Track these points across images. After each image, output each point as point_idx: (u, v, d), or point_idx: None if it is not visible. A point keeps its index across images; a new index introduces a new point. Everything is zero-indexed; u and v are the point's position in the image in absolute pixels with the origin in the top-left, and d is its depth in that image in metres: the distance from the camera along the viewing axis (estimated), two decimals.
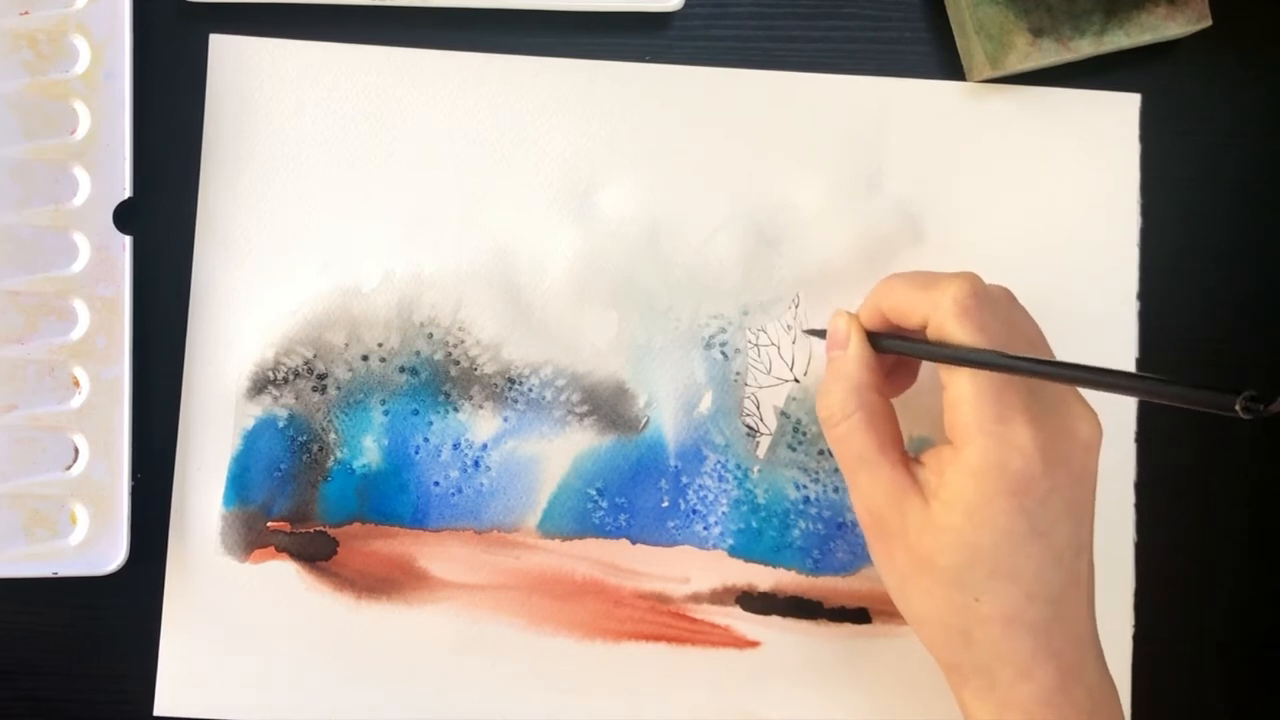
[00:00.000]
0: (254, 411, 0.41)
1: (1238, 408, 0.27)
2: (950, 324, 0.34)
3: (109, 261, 0.40)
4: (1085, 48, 0.42)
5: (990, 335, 0.33)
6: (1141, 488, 0.43)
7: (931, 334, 0.35)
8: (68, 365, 0.40)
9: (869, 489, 0.35)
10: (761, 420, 0.42)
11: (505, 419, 0.42)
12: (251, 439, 0.41)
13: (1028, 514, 0.33)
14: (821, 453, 0.42)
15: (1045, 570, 0.33)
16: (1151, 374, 0.31)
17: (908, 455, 0.36)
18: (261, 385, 0.42)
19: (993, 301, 0.35)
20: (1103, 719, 0.34)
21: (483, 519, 0.42)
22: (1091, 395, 0.36)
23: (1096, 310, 0.43)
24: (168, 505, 0.41)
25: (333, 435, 0.42)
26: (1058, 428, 0.34)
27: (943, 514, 0.33)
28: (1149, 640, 0.43)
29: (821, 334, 0.40)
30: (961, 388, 0.33)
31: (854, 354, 0.37)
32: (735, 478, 0.42)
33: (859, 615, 0.42)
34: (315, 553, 0.41)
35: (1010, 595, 0.33)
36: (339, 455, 0.42)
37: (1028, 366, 0.33)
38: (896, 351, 0.37)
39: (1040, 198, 0.43)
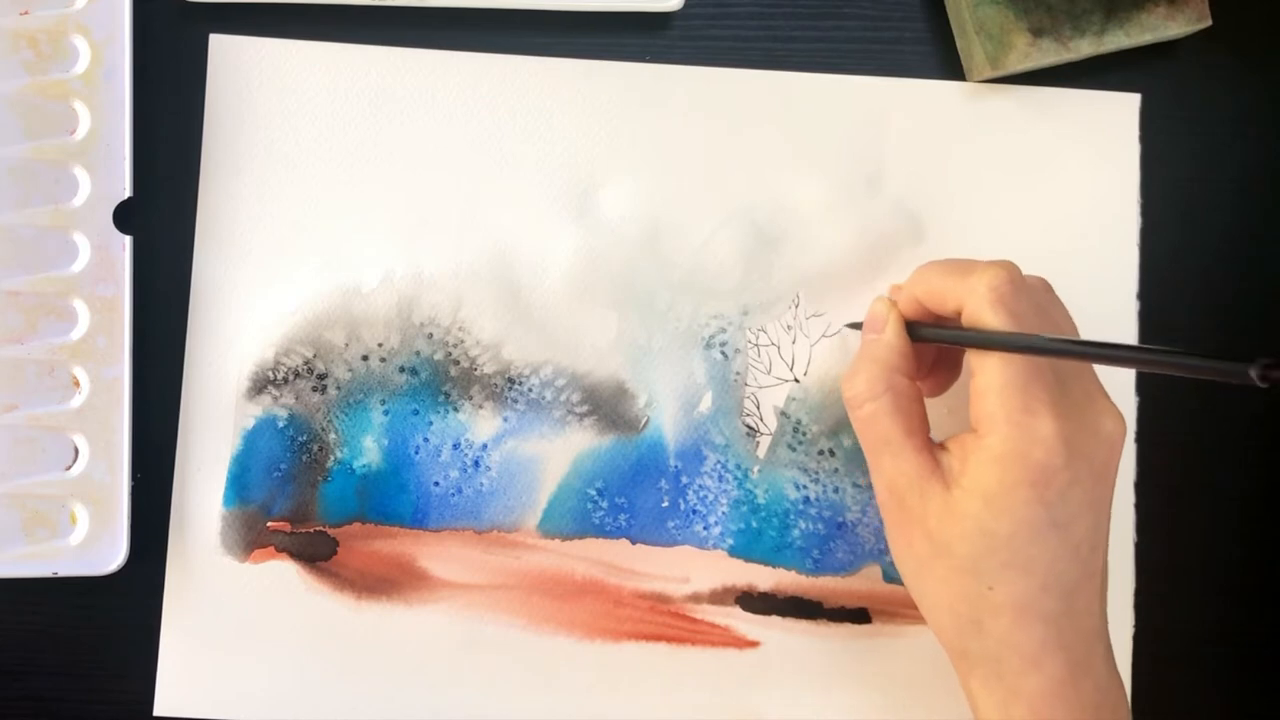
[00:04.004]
0: (254, 411, 0.41)
1: (1254, 374, 0.27)
2: (985, 310, 0.34)
3: (109, 261, 0.40)
4: (1085, 48, 0.42)
5: (1024, 323, 0.33)
6: (1141, 488, 0.43)
7: (966, 320, 0.35)
8: (68, 365, 0.40)
9: (892, 472, 0.35)
10: (761, 420, 0.42)
11: (505, 419, 0.42)
12: (251, 439, 0.41)
13: (1047, 505, 0.33)
14: (821, 453, 0.42)
15: (1061, 562, 0.33)
16: (1167, 347, 0.31)
17: (932, 441, 0.36)
18: (261, 385, 0.42)
19: (1029, 290, 0.35)
20: (1109, 714, 0.34)
21: (483, 519, 0.42)
22: None
23: (1096, 310, 0.43)
24: (168, 505, 0.41)
25: (333, 435, 0.42)
26: (1083, 422, 0.34)
27: (963, 501, 0.33)
28: (1149, 640, 0.43)
29: (859, 326, 0.40)
30: (990, 376, 0.33)
31: (889, 338, 0.37)
32: (735, 478, 0.42)
33: (859, 615, 0.42)
34: (315, 553, 0.41)
35: (1024, 585, 0.33)
36: (339, 455, 0.42)
37: (1052, 347, 0.33)
38: (931, 339, 0.37)
39: (1040, 198, 0.43)
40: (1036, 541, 0.33)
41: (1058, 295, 0.37)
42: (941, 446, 0.35)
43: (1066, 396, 0.34)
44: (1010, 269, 0.35)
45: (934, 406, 0.39)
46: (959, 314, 0.35)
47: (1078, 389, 0.34)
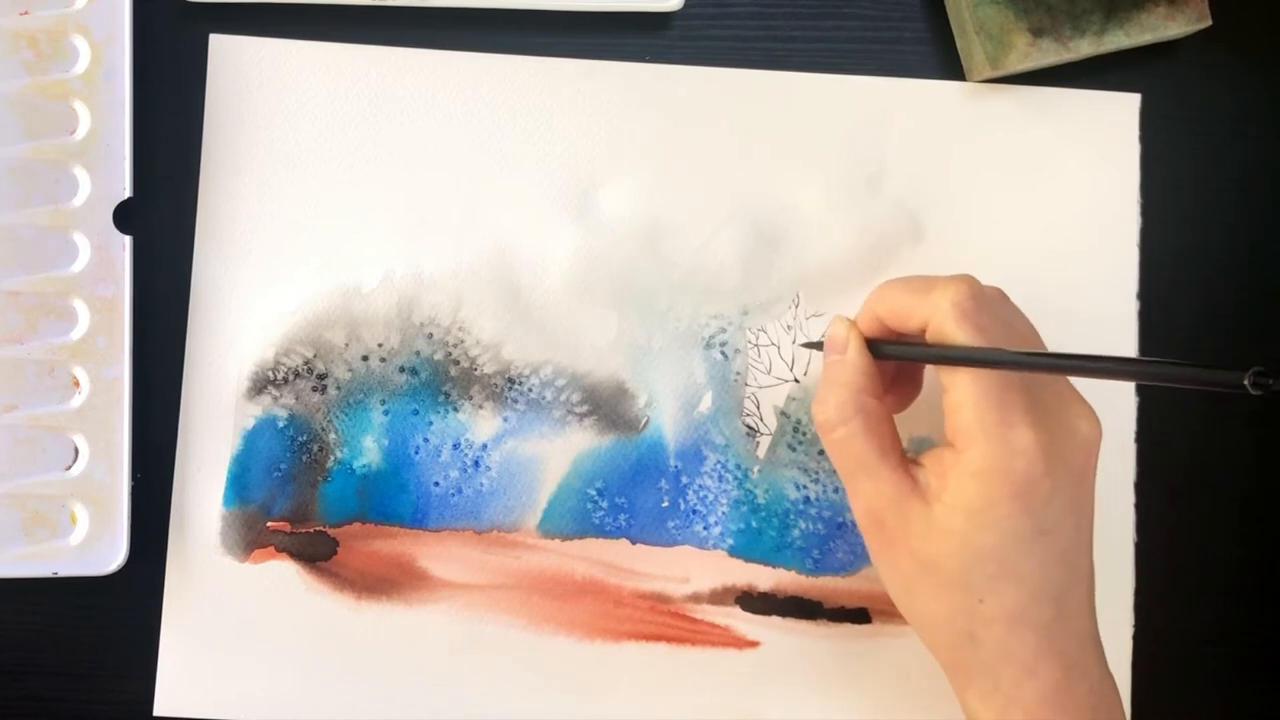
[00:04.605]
0: (254, 411, 0.41)
1: (1247, 383, 0.27)
2: (950, 326, 0.34)
3: (109, 261, 0.40)
4: (1085, 48, 0.42)
5: (989, 336, 0.34)
6: (1141, 488, 0.43)
7: (931, 337, 0.35)
8: (68, 365, 0.40)
9: (869, 494, 0.35)
10: (761, 420, 0.42)
11: (505, 419, 0.42)
12: (251, 439, 0.41)
13: (1032, 515, 0.33)
14: (821, 453, 0.42)
15: (1049, 569, 0.33)
16: (1158, 357, 0.31)
17: (906, 458, 0.36)
18: (261, 385, 0.42)
19: (990, 302, 0.35)
20: (1104, 716, 0.34)
21: (483, 519, 0.42)
22: (1088, 395, 0.36)
23: (1096, 310, 0.43)
24: (168, 505, 0.41)
25: (333, 435, 0.42)
26: (1059, 428, 0.34)
27: (946, 517, 0.33)
28: (1149, 640, 0.43)
29: (818, 346, 0.40)
30: (963, 391, 0.33)
31: (852, 359, 0.36)
32: (735, 478, 0.42)
33: (859, 615, 0.42)
34: (315, 553, 0.41)
35: (1015, 595, 0.33)
36: (339, 455, 0.42)
37: (1032, 361, 0.33)
38: (896, 357, 0.37)
39: (1040, 198, 0.43)
40: (1024, 552, 0.33)
41: (1014, 303, 0.37)
42: (917, 463, 0.35)
43: (1040, 403, 0.34)
44: (971, 283, 0.35)
45: (933, 412, 0.39)
46: (922, 331, 0.35)
47: (1049, 394, 0.35)
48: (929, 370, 0.40)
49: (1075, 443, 0.34)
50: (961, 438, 0.33)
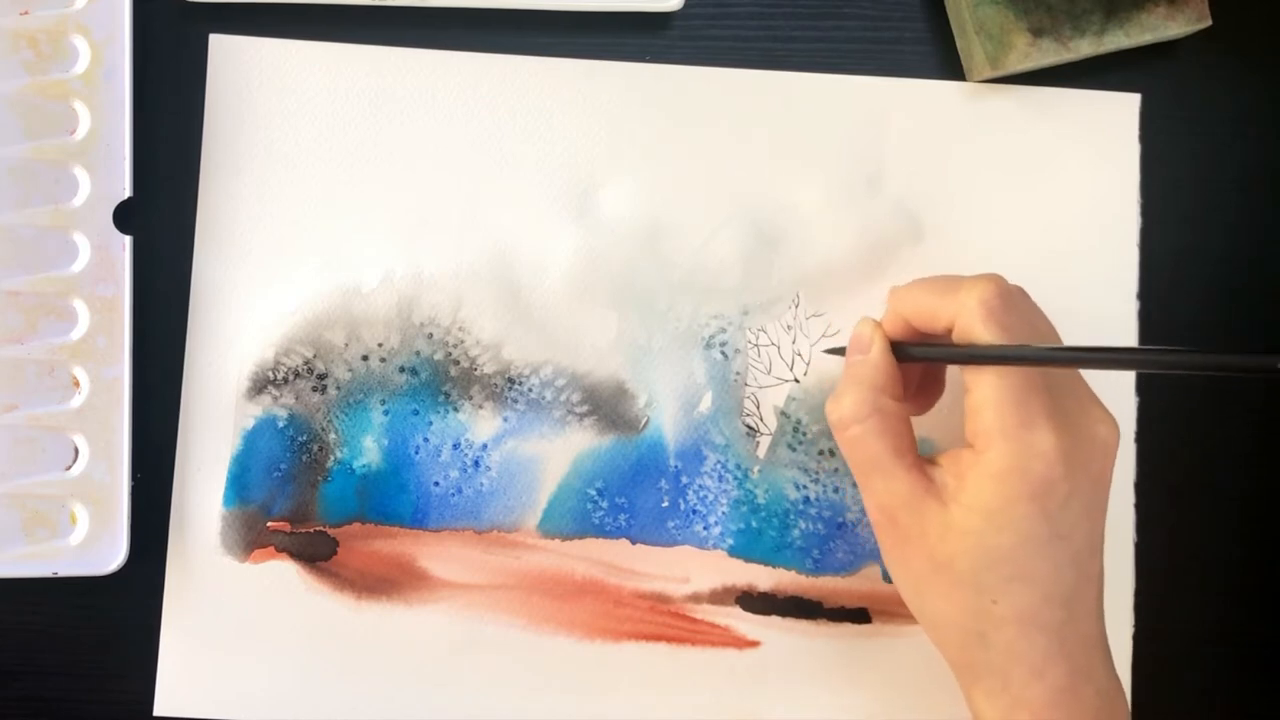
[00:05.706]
0: (254, 411, 0.41)
1: None
2: (978, 326, 0.34)
3: (109, 261, 0.40)
4: (1085, 48, 0.42)
5: (1015, 335, 0.34)
6: (1141, 488, 0.43)
7: (958, 336, 0.34)
8: (68, 365, 0.40)
9: (883, 492, 0.35)
10: (761, 420, 0.42)
11: (505, 419, 0.42)
12: (251, 439, 0.41)
13: (1049, 518, 0.33)
14: (821, 453, 0.42)
15: (1062, 572, 0.33)
16: (1190, 348, 0.31)
17: (921, 459, 0.35)
18: (261, 385, 0.42)
19: (1015, 301, 0.35)
20: (1108, 718, 0.34)
21: (483, 519, 0.42)
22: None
23: (1096, 310, 0.43)
24: (168, 505, 0.41)
25: (333, 435, 0.42)
26: (1078, 432, 0.34)
27: (962, 517, 0.33)
28: (1149, 640, 0.43)
29: (842, 351, 0.40)
30: (985, 392, 0.33)
31: (874, 359, 0.36)
32: (735, 478, 0.42)
33: (859, 615, 0.42)
34: (315, 553, 0.41)
35: (1028, 597, 0.33)
36: (339, 455, 0.42)
37: (1060, 356, 0.33)
38: (921, 358, 0.36)
39: (1040, 197, 0.43)
40: (1039, 554, 0.33)
41: (1035, 302, 0.37)
42: (933, 463, 0.35)
43: (1061, 407, 0.34)
44: (998, 281, 0.35)
45: (936, 414, 0.39)
46: (948, 331, 0.35)
47: (1070, 398, 0.34)
48: (949, 371, 0.40)
49: (1094, 447, 0.34)
50: (982, 439, 0.33)
